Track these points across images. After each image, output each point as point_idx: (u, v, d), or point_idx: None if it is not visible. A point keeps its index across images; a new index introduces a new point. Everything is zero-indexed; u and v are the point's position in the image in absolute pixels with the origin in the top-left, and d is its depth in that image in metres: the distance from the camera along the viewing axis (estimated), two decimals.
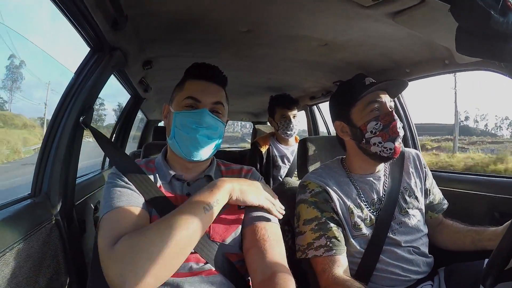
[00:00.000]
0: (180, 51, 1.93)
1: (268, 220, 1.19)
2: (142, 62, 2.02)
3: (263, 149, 2.91)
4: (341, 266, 1.22)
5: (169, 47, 1.86)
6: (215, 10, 1.39)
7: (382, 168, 1.45)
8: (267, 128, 4.21)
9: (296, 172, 2.86)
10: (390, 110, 1.33)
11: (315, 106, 3.70)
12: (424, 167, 1.52)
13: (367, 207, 1.37)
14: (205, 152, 1.19)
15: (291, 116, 2.80)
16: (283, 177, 2.87)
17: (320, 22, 1.47)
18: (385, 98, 1.35)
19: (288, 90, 3.11)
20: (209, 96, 1.19)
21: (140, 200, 1.08)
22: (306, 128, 3.90)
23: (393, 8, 1.25)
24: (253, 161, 2.86)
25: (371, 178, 1.41)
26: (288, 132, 2.81)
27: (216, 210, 1.02)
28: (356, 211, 1.34)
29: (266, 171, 2.85)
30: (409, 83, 1.45)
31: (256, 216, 1.19)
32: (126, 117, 3.08)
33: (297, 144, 2.91)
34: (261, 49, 1.90)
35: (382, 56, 1.88)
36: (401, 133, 1.31)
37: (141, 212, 1.04)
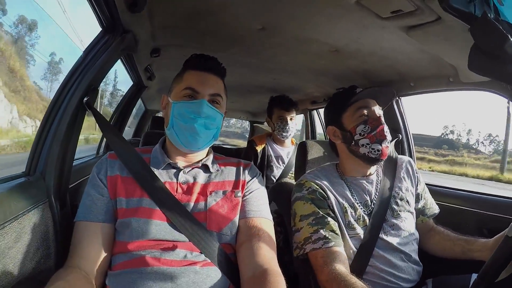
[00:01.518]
0: (190, 42, 1.92)
1: (263, 216, 1.22)
2: (151, 49, 2.01)
3: (259, 148, 2.94)
4: (341, 259, 1.24)
5: (180, 36, 1.85)
6: (233, 4, 1.39)
7: (374, 172, 1.52)
8: (267, 127, 4.21)
9: (290, 174, 2.89)
10: (378, 116, 1.42)
11: (314, 111, 3.70)
12: (416, 173, 1.60)
13: (361, 208, 1.42)
14: (203, 142, 1.21)
15: (288, 118, 2.84)
16: (276, 178, 2.90)
17: (334, 27, 1.48)
18: (374, 106, 1.45)
19: (290, 93, 3.11)
20: (208, 87, 1.21)
21: (104, 211, 1.13)
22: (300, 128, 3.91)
23: (408, 22, 1.27)
24: (247, 159, 2.82)
25: (364, 181, 1.48)
26: (284, 134, 2.85)
27: None
28: (350, 211, 1.39)
29: (260, 170, 2.82)
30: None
31: (253, 209, 1.22)
32: (126, 103, 3.06)
33: (293, 146, 2.95)
34: (271, 49, 1.91)
35: (388, 67, 1.90)
36: (389, 137, 1.40)
37: (100, 229, 1.10)
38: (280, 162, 2.97)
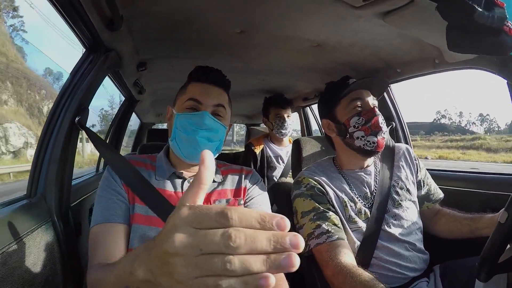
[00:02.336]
0: (174, 52, 1.94)
1: None
2: (137, 64, 2.03)
3: (257, 150, 2.94)
4: (346, 252, 1.23)
5: (163, 48, 1.87)
6: (208, 10, 1.40)
7: (371, 163, 1.51)
8: (262, 128, 4.22)
9: (290, 173, 2.89)
10: (372, 106, 1.40)
11: (308, 107, 3.72)
12: (415, 160, 1.58)
13: (360, 201, 1.41)
14: None
15: (285, 116, 2.85)
16: (277, 178, 2.90)
17: (312, 22, 1.49)
18: (367, 96, 1.43)
19: (281, 92, 3.14)
20: (210, 98, 1.20)
21: (122, 213, 1.10)
22: (299, 128, 3.92)
23: (383, 8, 1.28)
24: (247, 163, 2.90)
25: (362, 173, 1.46)
26: (283, 131, 2.85)
27: None
28: (350, 204, 1.38)
29: (260, 171, 2.87)
30: (398, 83, 1.49)
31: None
32: (120, 119, 3.07)
33: (291, 144, 2.96)
34: (254, 50, 1.92)
35: (373, 56, 1.91)
36: (384, 128, 1.38)
37: (120, 230, 1.07)
38: (280, 162, 2.98)
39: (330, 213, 1.33)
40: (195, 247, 0.40)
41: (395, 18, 1.31)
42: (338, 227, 1.30)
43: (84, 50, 1.56)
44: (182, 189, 1.19)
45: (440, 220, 1.56)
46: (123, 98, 3.03)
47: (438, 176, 1.92)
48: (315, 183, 1.40)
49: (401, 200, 1.44)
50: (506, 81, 1.38)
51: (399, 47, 1.75)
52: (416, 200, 1.51)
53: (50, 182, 1.32)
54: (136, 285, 0.54)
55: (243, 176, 1.31)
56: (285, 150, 3.01)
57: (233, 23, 1.53)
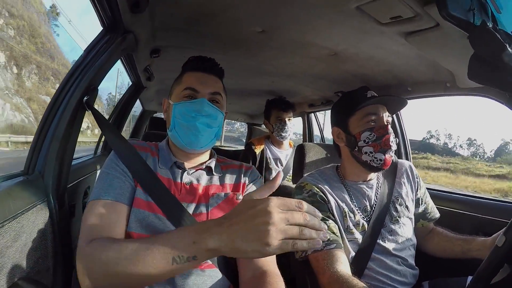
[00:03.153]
0: (190, 44, 1.93)
1: None
2: (151, 50, 2.01)
3: (257, 150, 2.95)
4: (343, 262, 1.23)
5: (180, 38, 1.86)
6: (234, 6, 1.39)
7: (374, 177, 1.51)
8: (264, 128, 4.21)
9: (288, 176, 2.90)
10: (386, 124, 1.40)
11: (312, 114, 3.73)
12: (417, 178, 1.59)
13: (359, 213, 1.41)
14: (205, 140, 1.21)
15: (286, 119, 2.87)
16: None
17: (334, 32, 1.49)
18: (383, 112, 1.42)
19: (288, 95, 3.14)
20: (207, 86, 1.22)
21: (128, 194, 1.09)
22: (298, 132, 3.92)
23: (407, 28, 1.28)
24: (245, 161, 2.86)
25: (364, 186, 1.47)
26: (283, 134, 2.87)
27: (189, 266, 0.81)
28: (349, 215, 1.39)
29: (258, 172, 2.84)
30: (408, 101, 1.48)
31: None
32: (124, 103, 3.05)
33: (291, 149, 2.97)
34: (270, 51, 1.91)
35: (386, 72, 1.92)
36: (394, 147, 1.38)
37: (123, 210, 1.06)
38: (279, 165, 2.99)
39: (330, 221, 1.33)
40: (284, 220, 0.70)
41: (418, 39, 1.32)
42: (337, 236, 1.30)
43: (102, 29, 1.53)
44: (181, 180, 1.19)
45: (433, 238, 1.58)
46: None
47: (433, 195, 1.94)
48: (318, 190, 1.40)
49: (398, 217, 1.45)
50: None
51: (414, 67, 1.75)
52: (413, 217, 1.52)
53: (50, 161, 1.28)
54: (203, 253, 0.78)
55: (243, 172, 1.31)
56: (284, 154, 3.02)
57: (255, 22, 1.52)
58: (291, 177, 2.84)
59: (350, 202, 1.42)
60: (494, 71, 0.90)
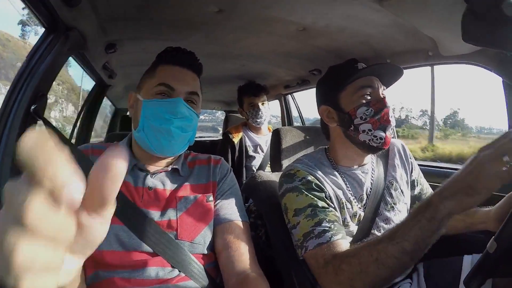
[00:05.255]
0: (146, 33, 1.77)
1: (240, 218, 1.12)
2: (105, 45, 1.85)
3: (236, 139, 2.83)
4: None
5: (133, 28, 1.70)
6: None
7: (369, 160, 1.36)
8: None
9: (270, 163, 2.79)
10: (383, 97, 1.24)
11: (289, 95, 3.61)
12: (410, 158, 1.45)
13: (356, 203, 1.26)
14: (178, 146, 1.09)
15: (260, 104, 2.75)
16: (256, 168, 2.81)
17: (300, 2, 1.35)
18: (378, 84, 1.26)
19: (261, 79, 3.02)
20: (184, 84, 1.08)
21: None
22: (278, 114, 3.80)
23: None
24: (224, 151, 2.79)
25: (359, 172, 1.32)
26: (258, 120, 2.76)
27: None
28: (347, 206, 1.23)
29: (239, 161, 2.78)
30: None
31: (228, 213, 1.11)
32: (90, 105, 2.87)
33: (271, 133, 2.86)
34: (233, 33, 1.77)
35: (362, 44, 1.79)
36: (393, 122, 1.22)
37: None
38: (259, 151, 2.89)
39: (330, 209, 1.17)
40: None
41: (394, 3, 1.18)
42: (340, 225, 1.15)
43: (44, 30, 1.37)
44: (144, 184, 1.06)
45: None
46: None
47: (425, 172, 1.87)
48: (313, 177, 1.22)
49: (394, 203, 1.31)
50: (501, 79, 1.34)
51: (391, 36, 1.63)
52: (409, 202, 1.39)
53: (4, 178, 1.15)
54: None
55: (212, 167, 1.19)
56: (264, 139, 2.91)
57: (210, 1, 1.38)
58: None
59: (347, 191, 1.27)
60: (494, 29, 0.78)
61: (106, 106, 4.53)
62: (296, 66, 2.52)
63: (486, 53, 1.38)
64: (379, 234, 1.24)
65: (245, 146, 2.85)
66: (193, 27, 1.69)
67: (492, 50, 1.33)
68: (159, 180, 1.10)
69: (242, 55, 2.27)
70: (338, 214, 1.19)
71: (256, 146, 2.88)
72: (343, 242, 1.07)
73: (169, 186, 1.10)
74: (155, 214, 1.03)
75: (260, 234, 1.46)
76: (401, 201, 1.34)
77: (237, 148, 2.82)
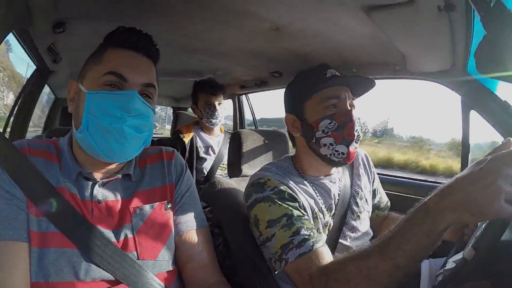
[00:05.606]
0: (102, 14, 1.58)
1: (201, 225, 1.03)
2: (53, 23, 1.61)
3: (186, 139, 2.69)
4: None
5: (88, 6, 1.50)
6: None
7: (335, 170, 1.32)
8: (192, 113, 3.88)
9: (221, 165, 2.71)
10: (350, 109, 1.19)
11: (244, 96, 3.52)
12: (372, 168, 1.45)
13: (327, 213, 1.22)
14: (132, 150, 0.92)
15: (216, 103, 2.64)
16: (207, 170, 2.69)
17: (283, 1, 1.26)
18: (346, 96, 1.20)
19: (218, 76, 2.89)
20: (140, 73, 0.92)
21: (19, 224, 0.78)
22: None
23: (376, 1, 1.11)
24: None
25: (327, 181, 1.27)
26: (213, 121, 2.65)
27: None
28: (319, 216, 1.18)
29: (189, 162, 2.63)
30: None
31: (189, 221, 1.01)
32: (29, 94, 2.53)
33: (223, 134, 2.77)
34: (202, 23, 1.63)
35: (332, 51, 1.74)
36: (357, 136, 1.18)
37: (17, 250, 0.76)
38: (211, 152, 2.77)
39: (306, 217, 1.11)
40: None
41: (382, 15, 1.15)
42: (319, 233, 1.10)
43: None
44: (92, 197, 0.90)
45: (389, 225, 1.43)
46: None
47: (385, 181, 1.90)
48: (285, 187, 1.15)
49: (359, 212, 1.30)
50: (460, 97, 1.47)
51: (364, 47, 1.60)
52: (371, 210, 1.40)
53: None
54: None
55: (165, 165, 1.05)
56: (216, 140, 2.81)
57: None
58: (224, 166, 2.67)
59: (318, 200, 1.22)
60: (498, 52, 0.80)
61: (43, 95, 4.00)
62: (258, 66, 2.42)
63: (451, 73, 1.42)
64: (345, 242, 1.23)
65: (196, 147, 2.72)
66: (157, 10, 1.52)
67: (458, 71, 1.38)
68: (109, 190, 0.94)
69: (203, 49, 2.13)
70: (312, 223, 1.13)
71: (207, 147, 2.77)
72: (325, 250, 1.02)
73: (122, 196, 0.95)
74: (109, 233, 0.88)
75: (217, 243, 1.36)
76: (365, 209, 1.34)
77: (187, 148, 2.69)
